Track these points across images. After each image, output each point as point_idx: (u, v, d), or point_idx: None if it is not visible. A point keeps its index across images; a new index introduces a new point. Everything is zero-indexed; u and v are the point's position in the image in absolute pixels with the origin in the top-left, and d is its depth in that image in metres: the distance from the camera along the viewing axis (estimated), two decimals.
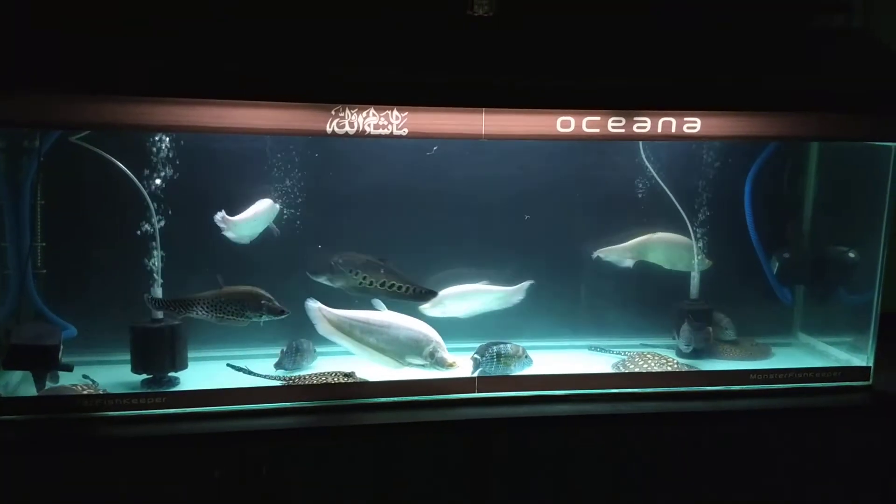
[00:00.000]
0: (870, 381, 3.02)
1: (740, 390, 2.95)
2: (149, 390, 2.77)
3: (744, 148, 3.26)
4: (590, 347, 3.34)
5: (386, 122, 2.60)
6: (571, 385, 2.88)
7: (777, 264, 3.34)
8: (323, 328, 2.89)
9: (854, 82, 2.83)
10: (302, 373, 2.96)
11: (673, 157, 3.21)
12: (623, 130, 2.72)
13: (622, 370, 3.09)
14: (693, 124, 2.75)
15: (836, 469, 2.88)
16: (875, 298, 3.00)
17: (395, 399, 2.76)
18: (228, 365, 2.91)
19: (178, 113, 2.49)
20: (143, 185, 2.80)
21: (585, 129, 2.69)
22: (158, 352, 2.82)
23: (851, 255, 3.26)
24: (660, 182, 3.20)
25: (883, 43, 2.97)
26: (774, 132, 2.83)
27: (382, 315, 2.88)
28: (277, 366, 3.01)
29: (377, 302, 2.88)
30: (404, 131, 2.61)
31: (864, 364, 3.05)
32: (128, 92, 2.44)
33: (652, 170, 3.19)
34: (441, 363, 2.82)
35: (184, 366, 2.89)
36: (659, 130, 2.74)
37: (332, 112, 2.56)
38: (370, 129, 2.59)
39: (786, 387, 2.97)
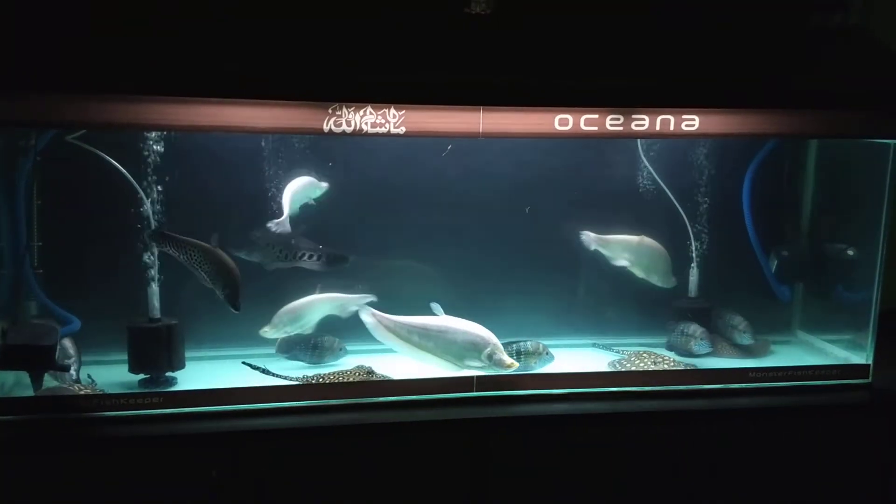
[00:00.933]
0: (869, 379, 3.02)
1: (739, 388, 2.95)
2: (146, 390, 2.76)
3: (742, 145, 3.25)
4: (594, 345, 3.33)
5: (383, 121, 2.59)
6: (570, 384, 2.88)
7: (775, 262, 3.33)
8: (381, 335, 2.91)
9: (852, 80, 2.83)
10: (322, 370, 2.98)
11: (671, 154, 3.21)
12: (621, 128, 2.71)
13: (619, 369, 3.08)
14: (691, 122, 2.75)
15: (835, 467, 2.88)
16: (874, 296, 2.99)
17: (394, 398, 2.76)
18: (244, 363, 2.91)
19: (175, 112, 2.48)
20: (142, 185, 2.79)
21: (584, 128, 2.68)
22: (156, 352, 2.81)
23: (850, 252, 3.26)
24: (658, 180, 3.20)
25: (881, 41, 2.96)
26: (773, 130, 2.83)
27: (439, 320, 2.88)
28: (291, 357, 3.04)
29: (435, 306, 2.87)
30: (402, 130, 2.60)
31: (863, 362, 3.04)
32: (125, 91, 2.42)
33: (650, 167, 3.19)
34: (500, 364, 2.82)
35: (181, 366, 2.88)
36: (657, 128, 2.73)
37: (330, 111, 2.55)
38: (367, 128, 2.58)
39: (785, 385, 2.97)
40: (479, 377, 2.82)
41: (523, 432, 2.72)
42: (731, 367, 3.06)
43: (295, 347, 3.08)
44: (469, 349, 2.83)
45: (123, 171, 2.76)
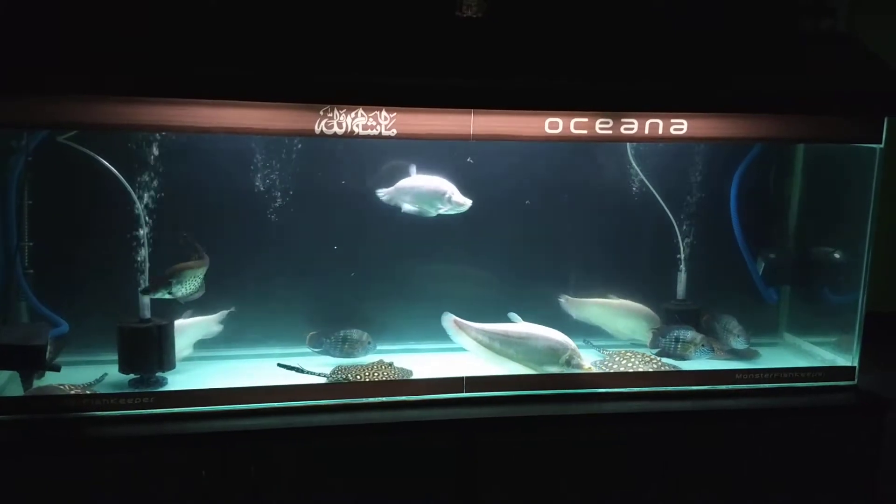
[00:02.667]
0: (855, 381, 3.04)
1: (726, 390, 2.97)
2: (136, 390, 2.76)
3: (729, 149, 3.27)
4: (584, 341, 3.32)
5: (374, 123, 2.60)
6: (558, 385, 2.90)
7: (763, 265, 3.36)
8: (462, 341, 3.02)
9: (839, 85, 2.84)
10: (350, 362, 3.02)
11: (658, 158, 3.23)
12: (611, 132, 2.74)
13: (603, 370, 3.09)
14: (680, 126, 2.78)
15: (820, 469, 2.90)
16: (860, 299, 3.02)
17: (383, 399, 2.77)
18: (280, 365, 2.91)
19: (165, 113, 2.50)
20: (133, 185, 2.79)
21: (573, 131, 2.71)
22: (146, 352, 2.81)
23: (837, 255, 3.28)
24: (647, 183, 3.22)
25: (867, 46, 2.99)
26: (760, 134, 2.87)
27: (520, 327, 2.99)
28: (323, 352, 3.07)
29: (513, 315, 3.00)
30: (393, 132, 2.62)
31: (849, 364, 3.07)
32: (116, 92, 2.43)
33: (638, 170, 3.21)
34: (578, 368, 2.92)
35: (172, 366, 2.87)
36: (646, 132, 2.76)
37: (321, 112, 2.56)
38: (359, 130, 2.60)
39: (771, 386, 2.99)
40: (467, 378, 2.84)
41: (511, 433, 2.74)
42: (717, 368, 3.07)
43: (325, 342, 3.10)
44: (549, 355, 2.94)
45: (115, 171, 2.76)
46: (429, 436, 2.69)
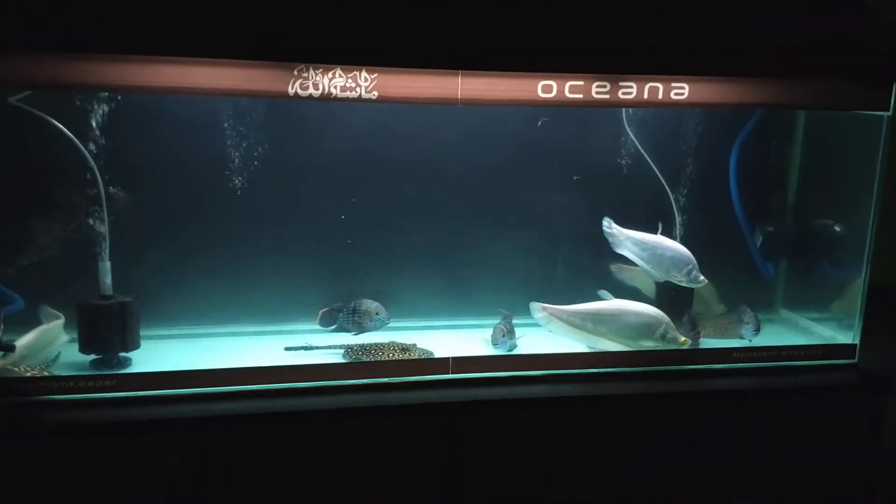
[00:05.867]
0: (855, 360, 2.95)
1: (723, 369, 2.87)
2: (98, 372, 2.58)
3: (729, 117, 3.14)
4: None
5: (354, 85, 2.42)
6: (548, 365, 2.78)
7: (761, 238, 3.23)
8: (556, 327, 2.89)
9: (846, 49, 2.71)
10: (360, 341, 2.89)
11: (654, 124, 3.08)
12: (608, 96, 2.57)
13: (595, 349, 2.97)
14: (681, 90, 2.62)
15: (821, 448, 2.82)
16: (864, 274, 2.90)
17: (365, 381, 2.62)
18: (287, 349, 2.82)
19: (128, 72, 2.31)
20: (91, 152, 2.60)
21: (568, 95, 2.55)
22: (107, 331, 2.63)
23: (837, 228, 3.18)
24: (641, 151, 3.07)
25: (877, 10, 2.84)
26: (764, 99, 2.72)
27: (611, 304, 2.91)
28: (338, 329, 2.96)
29: (604, 293, 2.91)
30: (374, 94, 2.43)
31: (849, 342, 2.97)
32: (74, 48, 2.25)
33: (634, 138, 3.05)
34: (674, 342, 2.86)
35: (136, 345, 2.71)
36: (645, 96, 2.60)
37: (295, 72, 2.38)
38: (336, 92, 2.41)
39: (770, 365, 2.90)
40: (454, 359, 2.69)
41: (499, 415, 2.61)
42: (715, 346, 2.96)
43: (338, 318, 2.98)
44: (643, 330, 2.87)
45: (73, 136, 2.57)
46: (415, 419, 2.55)
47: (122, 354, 2.68)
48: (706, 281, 2.94)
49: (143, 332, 2.75)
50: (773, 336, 3.18)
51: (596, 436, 2.67)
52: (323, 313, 3.01)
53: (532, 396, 2.63)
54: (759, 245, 3.25)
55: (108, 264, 2.66)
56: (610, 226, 2.96)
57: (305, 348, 2.80)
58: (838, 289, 3.12)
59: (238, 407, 2.46)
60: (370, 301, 2.98)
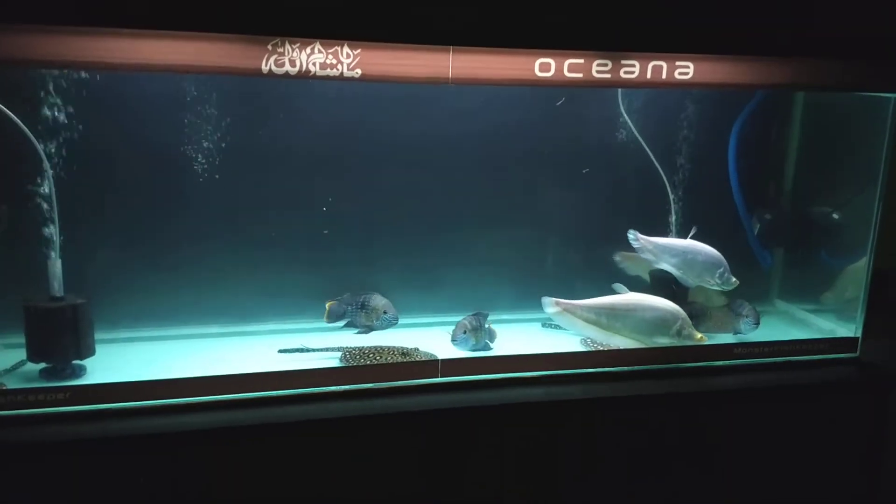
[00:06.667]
0: (857, 353, 2.85)
1: (724, 366, 2.76)
2: (49, 384, 2.34)
3: (729, 99, 3.00)
4: (543, 324, 3.08)
5: (335, 61, 2.19)
6: (542, 366, 2.62)
7: (758, 226, 3.12)
8: (567, 322, 2.78)
9: (854, 28, 2.59)
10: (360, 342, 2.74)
11: (648, 106, 2.94)
12: (609, 76, 2.39)
13: (592, 348, 2.86)
14: (685, 69, 2.45)
15: (823, 444, 2.74)
16: (867, 264, 2.79)
17: (349, 387, 2.43)
18: (280, 351, 2.66)
19: (80, 46, 2.05)
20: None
21: (567, 74, 2.36)
22: (58, 336, 2.38)
23: (835, 216, 3.08)
24: (636, 134, 2.91)
25: None
26: (770, 80, 2.57)
27: (627, 297, 2.79)
28: (348, 325, 2.76)
29: (619, 286, 2.79)
30: (357, 72, 2.21)
31: (850, 335, 2.87)
32: (18, 19, 1.98)
33: (629, 120, 2.90)
34: (690, 338, 2.77)
35: (91, 352, 2.46)
36: (648, 76, 2.43)
37: (269, 47, 2.14)
38: (315, 69, 2.18)
39: (771, 361, 2.79)
40: (443, 361, 2.49)
41: (492, 419, 2.46)
42: (715, 343, 2.83)
43: (346, 312, 2.75)
44: (659, 326, 2.77)
45: (19, 122, 2.30)
46: (403, 426, 2.37)
47: (76, 362, 2.43)
48: (738, 283, 2.85)
49: (98, 336, 2.49)
50: (771, 329, 3.08)
51: (596, 435, 2.56)
52: (331, 308, 2.77)
53: (528, 400, 2.47)
54: (756, 233, 3.12)
55: (58, 262, 2.41)
56: (636, 238, 2.86)
57: (301, 350, 2.62)
58: (832, 278, 3.03)
59: (208, 420, 2.25)
60: (379, 297, 2.76)
